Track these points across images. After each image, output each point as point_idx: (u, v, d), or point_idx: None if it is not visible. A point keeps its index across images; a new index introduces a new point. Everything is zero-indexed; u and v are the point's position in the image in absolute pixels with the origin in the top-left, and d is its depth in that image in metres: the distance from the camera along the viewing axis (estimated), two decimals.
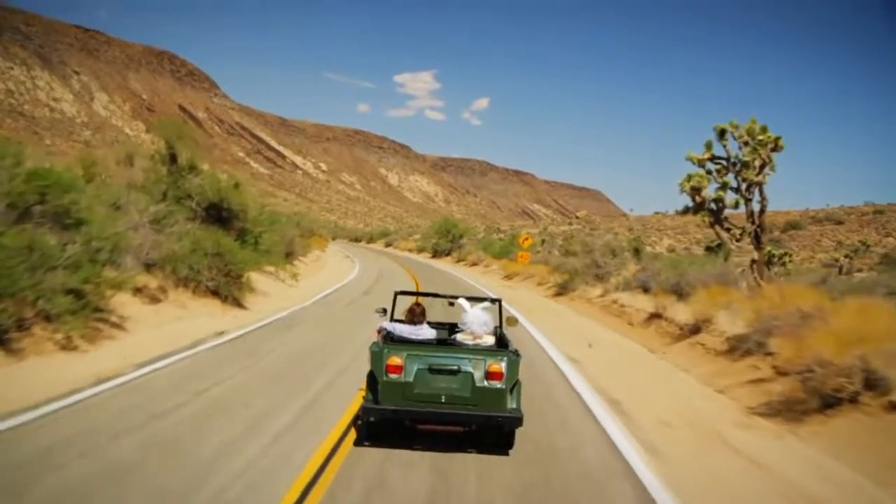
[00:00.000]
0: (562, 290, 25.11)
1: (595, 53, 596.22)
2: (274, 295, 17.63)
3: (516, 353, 6.72)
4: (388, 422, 6.54)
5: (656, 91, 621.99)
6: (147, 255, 12.96)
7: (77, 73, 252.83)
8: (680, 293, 17.55)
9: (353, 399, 8.01)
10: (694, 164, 20.53)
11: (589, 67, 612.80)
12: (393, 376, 6.38)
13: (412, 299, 8.35)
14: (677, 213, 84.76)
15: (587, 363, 11.79)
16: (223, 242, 14.03)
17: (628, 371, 11.51)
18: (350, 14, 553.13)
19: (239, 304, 14.60)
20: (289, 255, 25.31)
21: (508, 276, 34.93)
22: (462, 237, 56.69)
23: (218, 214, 15.33)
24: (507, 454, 6.62)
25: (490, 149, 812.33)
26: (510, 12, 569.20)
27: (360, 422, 6.93)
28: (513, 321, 8.29)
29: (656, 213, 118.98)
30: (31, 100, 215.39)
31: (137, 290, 11.99)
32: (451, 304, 7.93)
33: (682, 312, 14.98)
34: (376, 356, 6.54)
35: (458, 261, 51.31)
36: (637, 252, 26.85)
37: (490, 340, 7.17)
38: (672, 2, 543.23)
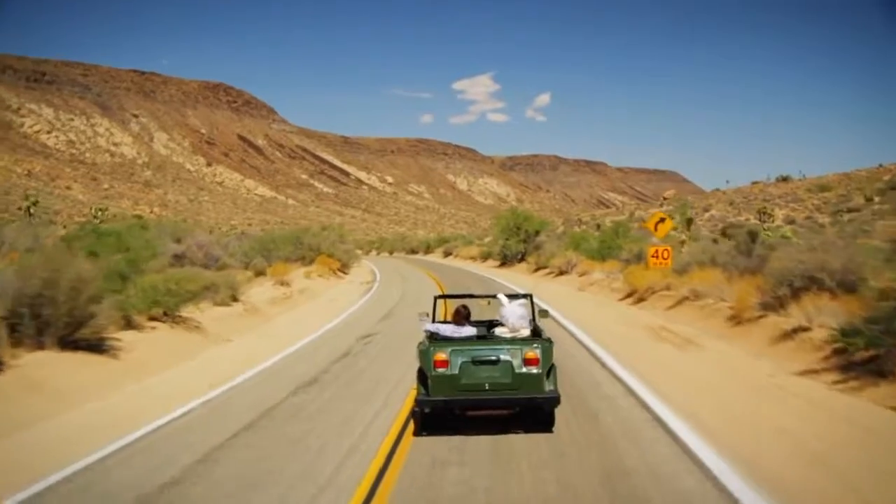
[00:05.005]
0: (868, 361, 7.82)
1: (655, 31, 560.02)
2: None
3: (549, 341, 7.24)
4: (440, 411, 7.06)
5: (726, 62, 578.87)
6: None
7: (136, 115, 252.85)
8: None
9: None
10: None
11: (650, 45, 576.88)
12: (440, 370, 6.91)
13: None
14: (780, 179, 65.04)
15: None
16: None
17: None
18: (405, 28, 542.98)
19: None
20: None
21: (638, 297, 17.82)
22: (538, 233, 39.73)
23: None
24: (550, 431, 6.99)
25: (558, 142, 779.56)
26: (562, 3, 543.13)
27: (415, 412, 7.30)
28: (544, 314, 9.04)
29: (755, 182, 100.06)
30: (92, 147, 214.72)
31: None
32: (489, 302, 8.64)
33: None
34: (424, 354, 7.13)
35: (538, 268, 34.50)
36: None
37: (526, 332, 7.55)
38: None
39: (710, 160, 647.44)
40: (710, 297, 14.20)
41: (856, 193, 65.17)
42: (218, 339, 12.96)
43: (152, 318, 12.33)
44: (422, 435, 7.03)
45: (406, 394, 8.68)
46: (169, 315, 12.81)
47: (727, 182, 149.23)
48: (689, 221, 26.31)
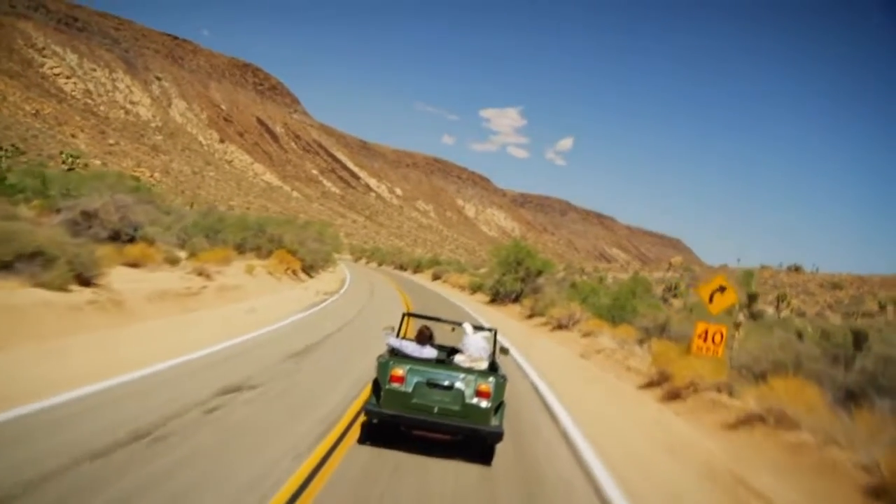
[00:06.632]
0: None
1: (686, 99, 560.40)
2: None
3: (504, 377, 7.23)
4: (387, 425, 7.02)
5: (753, 141, 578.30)
6: None
7: (159, 78, 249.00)
8: None
9: None
10: None
11: (681, 112, 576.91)
12: (395, 385, 6.93)
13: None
14: (791, 268, 59.09)
15: None
16: None
17: None
18: (443, 48, 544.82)
19: None
20: None
21: (671, 391, 12.23)
22: (540, 274, 34.24)
23: None
24: (489, 465, 6.93)
25: (571, 189, 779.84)
26: (602, 52, 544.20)
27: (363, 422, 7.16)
28: (505, 351, 8.64)
29: (764, 266, 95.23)
30: (108, 101, 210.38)
31: None
32: (453, 329, 8.65)
33: None
34: (382, 367, 7.09)
35: (532, 314, 29.03)
36: None
37: (484, 365, 7.62)
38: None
39: (716, 236, 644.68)
40: (806, 428, 8.64)
41: (868, 297, 61.56)
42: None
43: None
44: (365, 444, 6.96)
45: None
46: None
47: (738, 260, 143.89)
48: (753, 298, 20.30)
